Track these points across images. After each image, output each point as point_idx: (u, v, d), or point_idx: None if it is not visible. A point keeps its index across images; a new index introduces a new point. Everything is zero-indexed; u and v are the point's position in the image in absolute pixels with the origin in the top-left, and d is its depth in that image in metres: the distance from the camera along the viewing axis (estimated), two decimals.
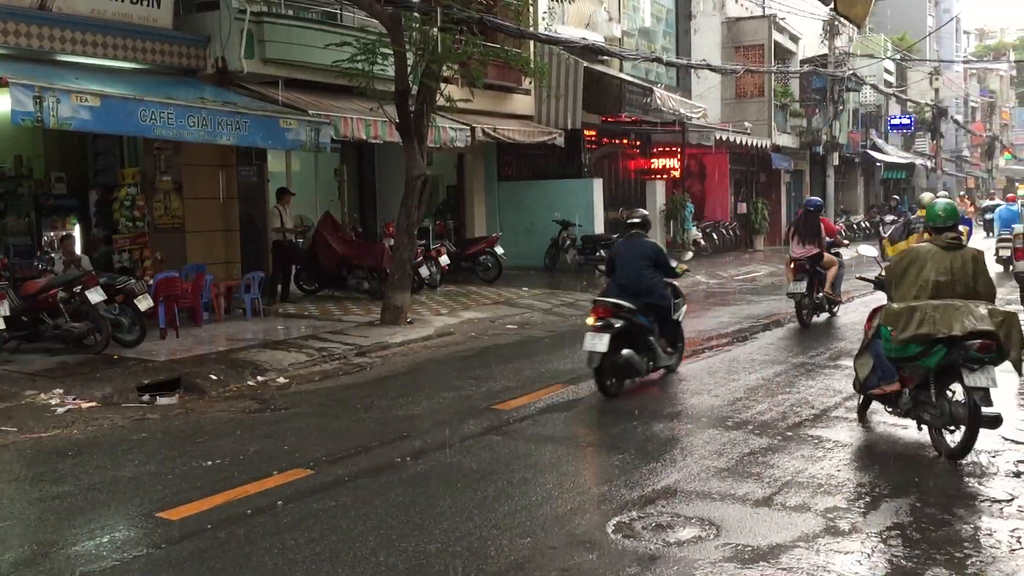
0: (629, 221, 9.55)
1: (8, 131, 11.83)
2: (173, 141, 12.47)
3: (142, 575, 4.80)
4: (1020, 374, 6.45)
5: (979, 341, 6.17)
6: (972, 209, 18.85)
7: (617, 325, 8.56)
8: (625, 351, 8.59)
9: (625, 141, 23.43)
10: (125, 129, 11.14)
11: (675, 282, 9.79)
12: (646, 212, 9.87)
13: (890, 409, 7.04)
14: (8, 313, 10.01)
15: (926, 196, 16.50)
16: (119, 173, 13.81)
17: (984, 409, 6.23)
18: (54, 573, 4.82)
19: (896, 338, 6.39)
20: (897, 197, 26.22)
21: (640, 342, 8.85)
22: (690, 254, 21.69)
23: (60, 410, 8.41)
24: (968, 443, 6.36)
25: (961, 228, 7.29)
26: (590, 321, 8.66)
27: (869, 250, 9.40)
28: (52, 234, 13.65)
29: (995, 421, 6.31)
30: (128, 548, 5.15)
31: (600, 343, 8.37)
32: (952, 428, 6.47)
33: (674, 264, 9.68)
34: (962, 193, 19.34)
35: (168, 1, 12.75)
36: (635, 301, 8.81)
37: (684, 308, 9.88)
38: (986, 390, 6.25)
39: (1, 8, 10.95)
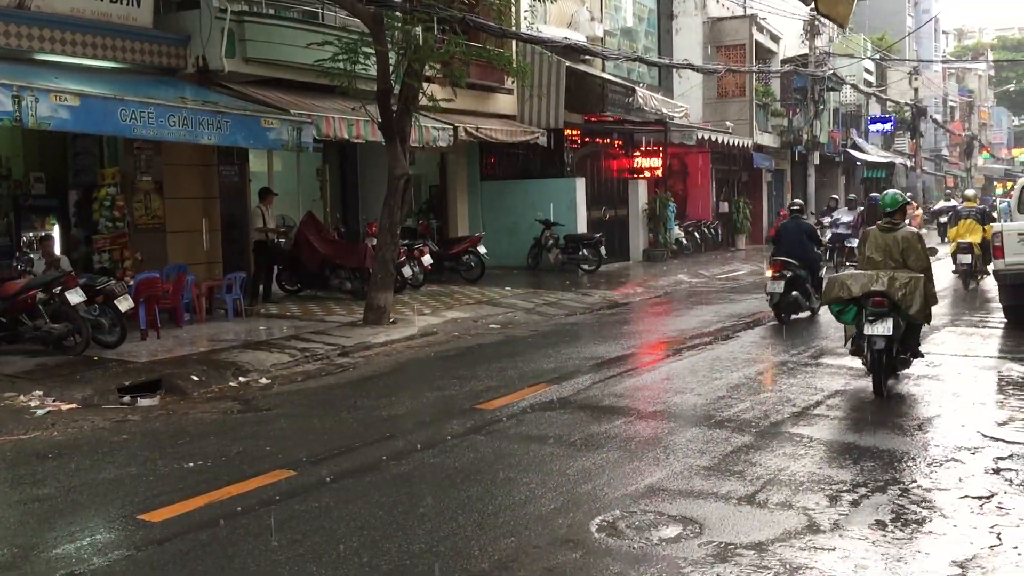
0: (792, 207, 14.42)
1: None
2: (153, 141, 12.39)
3: None
4: (927, 323, 8.64)
5: (872, 299, 8.08)
6: (918, 214, 18.72)
7: (788, 275, 12.69)
8: (793, 292, 12.84)
9: (608, 140, 23.48)
10: (105, 129, 11.05)
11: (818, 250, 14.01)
12: (802, 202, 15.18)
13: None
14: None
15: (970, 191, 20.94)
16: (99, 173, 13.69)
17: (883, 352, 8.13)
18: None
19: (822, 302, 8.72)
20: (836, 197, 26.16)
21: (801, 288, 12.95)
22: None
23: (40, 412, 8.34)
24: (876, 381, 8.25)
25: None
26: (769, 273, 12.93)
27: (852, 241, 13.94)
28: (31, 235, 13.53)
29: (902, 364, 8.56)
30: (109, 550, 5.11)
31: (778, 287, 12.68)
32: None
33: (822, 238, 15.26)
34: (910, 195, 19.01)
35: (148, 0, 12.67)
36: (797, 261, 12.88)
37: (825, 268, 14.17)
38: (884, 337, 8.09)
39: None
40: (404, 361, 10.99)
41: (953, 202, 24.95)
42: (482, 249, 18.23)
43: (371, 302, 12.86)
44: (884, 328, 8.09)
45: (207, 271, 13.79)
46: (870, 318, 8.13)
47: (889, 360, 8.32)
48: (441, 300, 15.38)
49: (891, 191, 9.34)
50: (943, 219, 24.88)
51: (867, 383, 9.09)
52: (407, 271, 15.95)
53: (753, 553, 4.85)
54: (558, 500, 5.75)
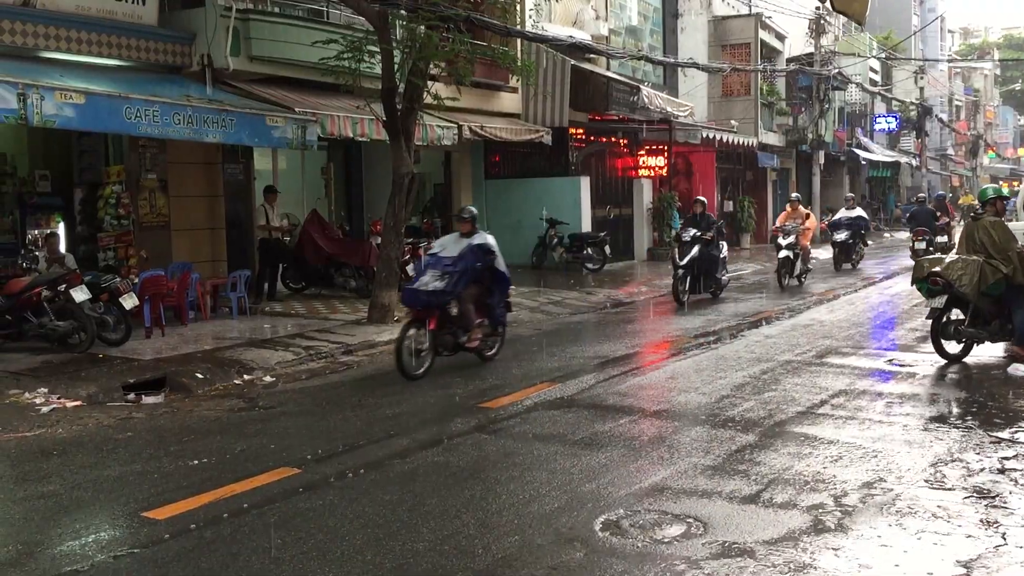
0: (918, 197, 21.93)
1: None
2: (158, 139, 12.41)
3: (128, 575, 4.77)
4: (970, 301, 9.53)
5: (931, 278, 9.66)
6: (808, 227, 18.09)
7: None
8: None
9: (612, 139, 23.45)
10: (110, 127, 11.07)
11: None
12: (924, 195, 20.95)
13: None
14: None
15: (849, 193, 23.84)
16: (104, 171, 13.72)
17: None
18: (39, 573, 4.78)
19: (912, 280, 10.25)
20: (852, 194, 25.88)
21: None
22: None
23: (45, 409, 8.36)
24: (934, 344, 9.94)
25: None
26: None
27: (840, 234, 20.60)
28: (36, 232, 13.55)
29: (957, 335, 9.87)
30: (114, 548, 5.12)
31: (920, 245, 20.02)
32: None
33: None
34: (794, 197, 18.76)
35: None
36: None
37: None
38: (938, 309, 9.74)
39: None
40: None
41: (855, 211, 22.21)
42: None
43: (375, 300, 12.86)
44: (938, 301, 9.69)
45: (212, 269, 13.81)
46: (929, 293, 9.77)
47: (943, 327, 9.87)
48: None
49: (988, 186, 11.56)
50: (840, 236, 21.41)
51: (870, 383, 9.11)
52: (412, 270, 15.91)
53: (758, 552, 4.85)
54: (562, 499, 5.75)
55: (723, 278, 16.17)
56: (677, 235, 16.26)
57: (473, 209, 10.49)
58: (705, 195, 28.76)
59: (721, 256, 15.88)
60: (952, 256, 9.98)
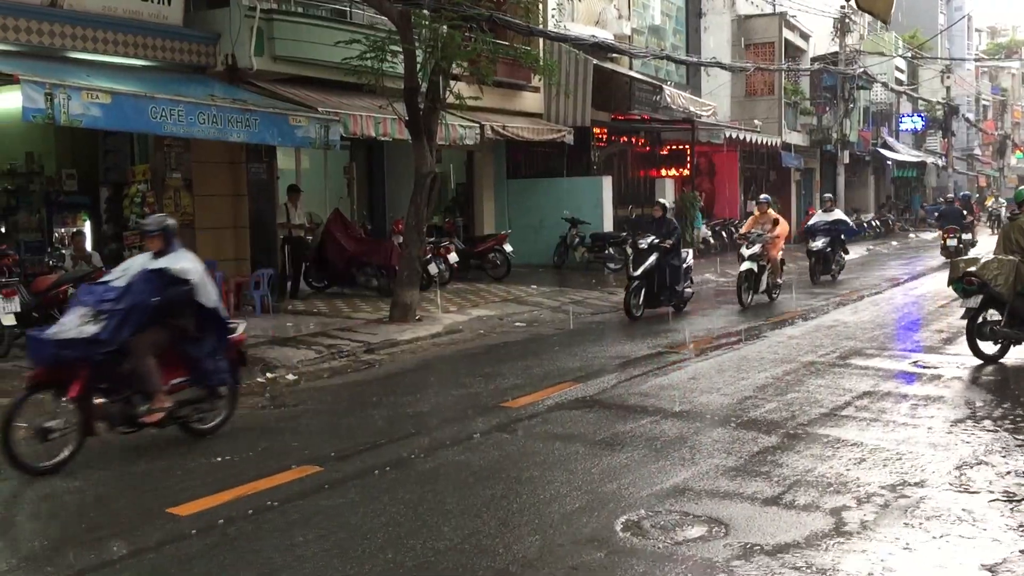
0: (947, 197, 24.87)
1: (19, 128, 11.88)
2: (183, 138, 12.49)
3: (152, 571, 4.81)
4: (1006, 301, 9.51)
5: (966, 278, 9.67)
6: (778, 234, 15.97)
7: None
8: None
9: (634, 139, 23.39)
10: (136, 126, 11.17)
11: None
12: (952, 195, 24.10)
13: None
14: (19, 309, 10.06)
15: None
16: (129, 170, 13.84)
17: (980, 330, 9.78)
18: (65, 568, 4.83)
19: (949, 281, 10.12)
20: (831, 195, 24.98)
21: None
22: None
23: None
24: (969, 343, 9.91)
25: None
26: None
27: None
28: (63, 230, 13.70)
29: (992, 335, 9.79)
30: (138, 544, 5.16)
31: (952, 242, 20.71)
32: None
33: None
34: (762, 199, 16.58)
35: None
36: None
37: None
38: (972, 309, 9.71)
39: (12, 5, 10.99)
40: (430, 358, 11.02)
41: (834, 213, 19.50)
42: (508, 247, 18.23)
43: (397, 299, 12.90)
44: (973, 301, 9.68)
45: (235, 268, 13.89)
46: (964, 293, 9.80)
47: (979, 327, 9.81)
48: (467, 298, 15.41)
49: (1023, 187, 11.43)
50: (816, 244, 18.74)
51: (895, 385, 9.04)
52: (433, 269, 15.98)
53: (779, 554, 4.82)
54: (583, 499, 5.74)
55: (686, 290, 14.38)
56: (633, 242, 14.45)
57: (163, 217, 7.64)
58: (728, 195, 28.87)
59: (683, 266, 14.08)
60: (988, 256, 10.02)
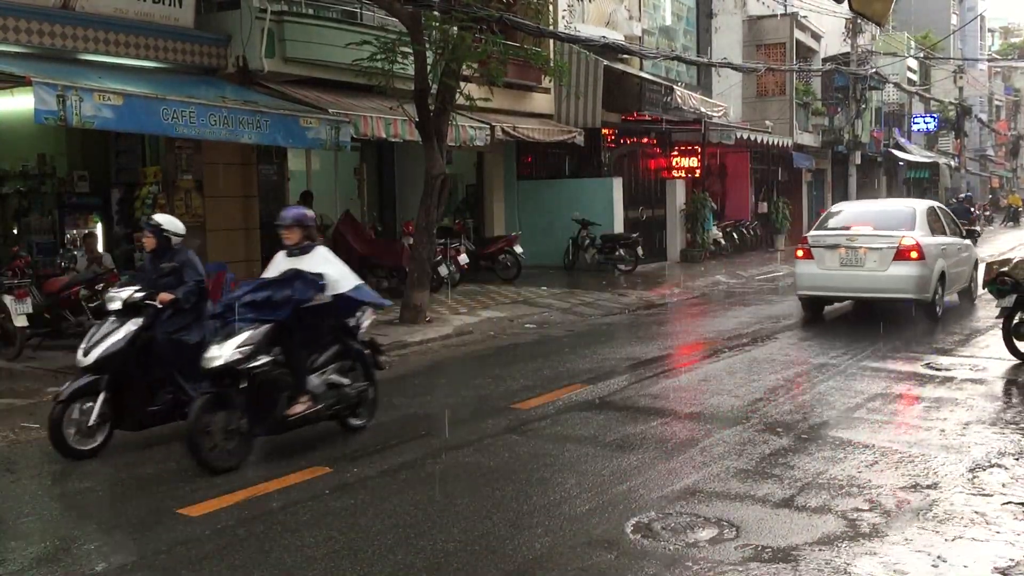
0: (958, 197, 23.51)
1: (31, 129, 11.92)
2: (194, 140, 12.53)
3: (162, 572, 4.82)
4: None
5: (999, 278, 9.79)
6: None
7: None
8: None
9: (645, 140, 23.35)
10: (147, 128, 11.19)
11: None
12: (963, 195, 25.60)
13: None
14: (31, 310, 10.10)
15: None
16: (141, 171, 13.89)
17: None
18: (75, 568, 4.85)
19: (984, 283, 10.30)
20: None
21: None
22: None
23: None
24: (1006, 341, 9.99)
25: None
26: None
27: None
28: (75, 232, 13.75)
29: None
30: (149, 545, 5.17)
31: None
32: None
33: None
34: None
35: (189, 0, 12.82)
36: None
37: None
38: (1007, 309, 9.84)
39: (25, 7, 11.04)
40: (440, 360, 11.01)
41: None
42: (518, 248, 18.22)
43: (407, 301, 12.90)
44: (1008, 301, 9.86)
45: (246, 269, 13.90)
46: (998, 293, 9.97)
47: (1016, 327, 9.95)
48: (477, 299, 15.40)
49: None
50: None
51: (907, 387, 8.98)
52: (443, 270, 15.98)
53: (791, 557, 4.80)
54: (593, 500, 5.72)
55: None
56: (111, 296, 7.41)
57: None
58: (739, 196, 28.81)
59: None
60: (1021, 255, 10.41)
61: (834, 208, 15.18)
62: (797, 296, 13.74)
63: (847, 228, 13.21)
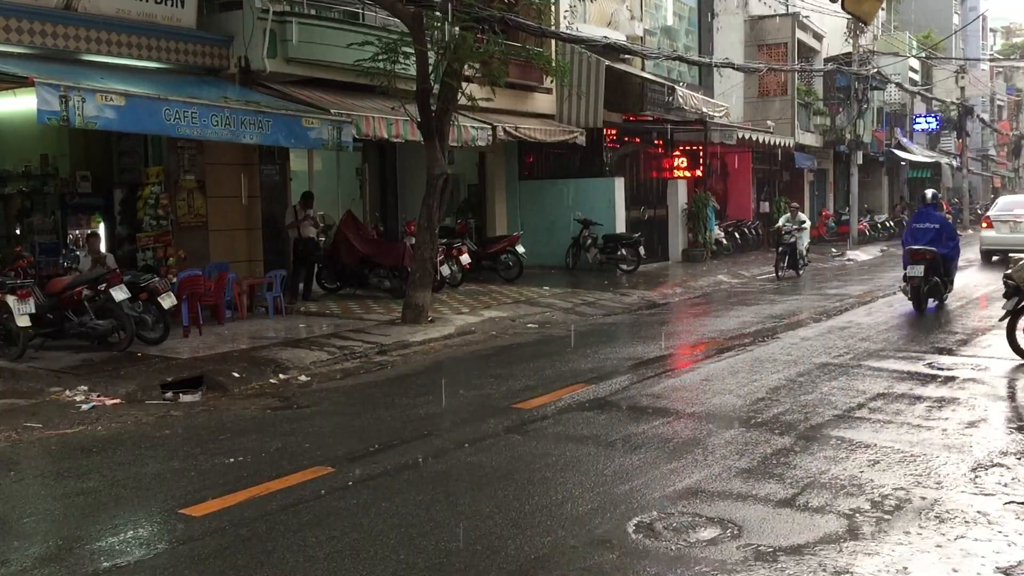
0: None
1: (34, 130, 11.96)
2: (197, 140, 12.55)
3: (165, 571, 4.83)
4: None
5: (1006, 281, 10.09)
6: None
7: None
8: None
9: (647, 140, 23.36)
10: (149, 128, 11.22)
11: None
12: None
13: None
14: (34, 311, 10.12)
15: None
16: (143, 172, 13.92)
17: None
18: (77, 568, 4.85)
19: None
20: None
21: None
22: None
23: (85, 407, 8.48)
24: (1009, 340, 10.10)
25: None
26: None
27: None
28: (77, 232, 13.78)
29: None
30: (151, 544, 5.18)
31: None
32: None
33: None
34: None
35: (192, 1, 12.84)
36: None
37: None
38: (1011, 312, 10.00)
39: (27, 8, 11.07)
40: (442, 360, 11.02)
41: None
42: (520, 248, 18.23)
43: (409, 301, 12.91)
44: (1011, 304, 10.04)
45: (248, 269, 13.94)
46: (1004, 294, 10.24)
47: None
48: (479, 299, 15.41)
49: None
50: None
51: (909, 386, 8.98)
52: (445, 270, 16.00)
53: (793, 556, 4.80)
54: (595, 500, 5.73)
55: None
56: None
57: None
58: (741, 196, 28.80)
59: None
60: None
61: (998, 200, 25.87)
62: (980, 250, 23.33)
63: (1011, 211, 22.97)
